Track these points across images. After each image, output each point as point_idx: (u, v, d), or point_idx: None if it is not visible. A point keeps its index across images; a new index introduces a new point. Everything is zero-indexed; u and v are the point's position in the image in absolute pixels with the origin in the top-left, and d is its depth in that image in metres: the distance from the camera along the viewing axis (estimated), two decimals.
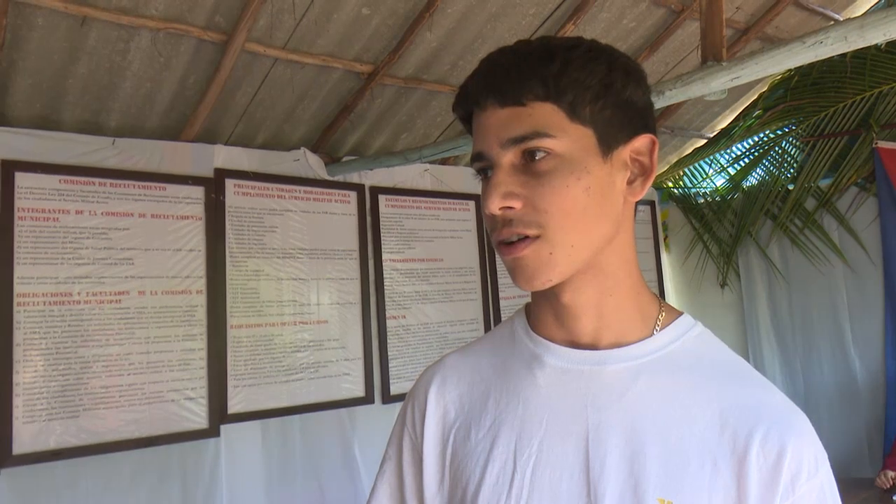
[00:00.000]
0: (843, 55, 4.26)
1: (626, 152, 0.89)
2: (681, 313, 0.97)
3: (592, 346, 0.92)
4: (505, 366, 0.99)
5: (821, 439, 0.88)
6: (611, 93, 0.87)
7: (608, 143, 0.87)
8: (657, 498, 0.83)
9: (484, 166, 0.89)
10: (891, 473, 3.43)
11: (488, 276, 4.25)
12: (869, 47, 4.00)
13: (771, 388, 0.91)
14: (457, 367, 1.05)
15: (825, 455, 0.87)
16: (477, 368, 1.03)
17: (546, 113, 0.85)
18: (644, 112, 0.91)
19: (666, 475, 0.84)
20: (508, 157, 0.86)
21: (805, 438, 0.86)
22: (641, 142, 0.90)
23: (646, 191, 0.91)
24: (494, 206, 0.85)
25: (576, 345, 0.93)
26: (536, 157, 0.85)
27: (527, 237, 0.85)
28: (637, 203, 0.93)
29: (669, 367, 0.90)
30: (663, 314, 0.95)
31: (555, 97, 0.85)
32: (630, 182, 0.90)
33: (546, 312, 0.96)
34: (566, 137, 0.85)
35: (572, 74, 0.85)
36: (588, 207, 0.85)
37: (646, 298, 0.96)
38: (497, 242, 0.88)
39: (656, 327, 0.94)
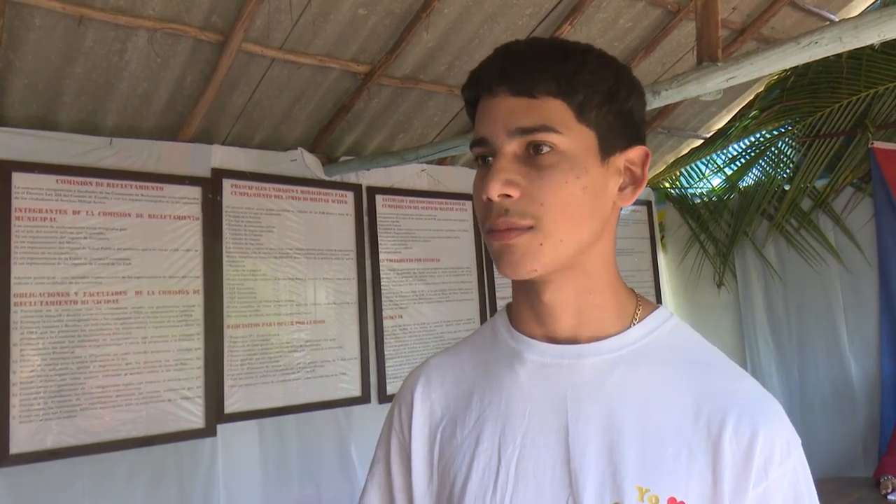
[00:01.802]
0: (839, 56, 4.26)
1: (621, 160, 0.92)
2: (657, 307, 0.99)
3: (571, 341, 0.95)
4: (487, 363, 1.02)
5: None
6: (616, 100, 0.90)
7: (607, 148, 0.90)
8: (635, 486, 0.85)
9: (485, 152, 0.91)
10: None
11: (485, 277, 4.26)
12: (865, 48, 4.01)
13: (744, 375, 0.93)
14: (441, 368, 1.07)
15: (798, 440, 0.89)
16: (460, 367, 1.05)
17: (556, 109, 0.87)
18: (640, 125, 0.95)
19: (644, 463, 0.86)
20: (513, 147, 0.88)
21: (776, 423, 0.87)
22: (636, 153, 0.93)
23: (634, 199, 0.94)
24: (494, 191, 0.86)
25: (555, 340, 0.96)
26: (541, 151, 0.86)
27: (520, 229, 0.87)
28: (634, 203, 0.95)
29: (646, 359, 0.93)
30: (640, 308, 0.97)
31: (566, 95, 0.87)
32: (621, 189, 0.93)
33: (526, 310, 0.99)
34: (571, 135, 0.87)
35: (585, 76, 0.88)
36: (582, 206, 0.87)
37: (623, 294, 0.98)
38: (488, 230, 0.90)
39: (633, 321, 0.96)
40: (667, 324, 0.96)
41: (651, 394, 0.90)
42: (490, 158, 0.90)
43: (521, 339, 0.98)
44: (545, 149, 0.86)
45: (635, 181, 0.93)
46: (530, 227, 0.86)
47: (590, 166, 0.88)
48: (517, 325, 1.00)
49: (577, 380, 0.92)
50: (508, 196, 0.87)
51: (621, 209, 0.97)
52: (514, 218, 0.86)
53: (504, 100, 0.89)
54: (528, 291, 0.96)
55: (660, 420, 0.88)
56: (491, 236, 0.89)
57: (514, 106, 0.88)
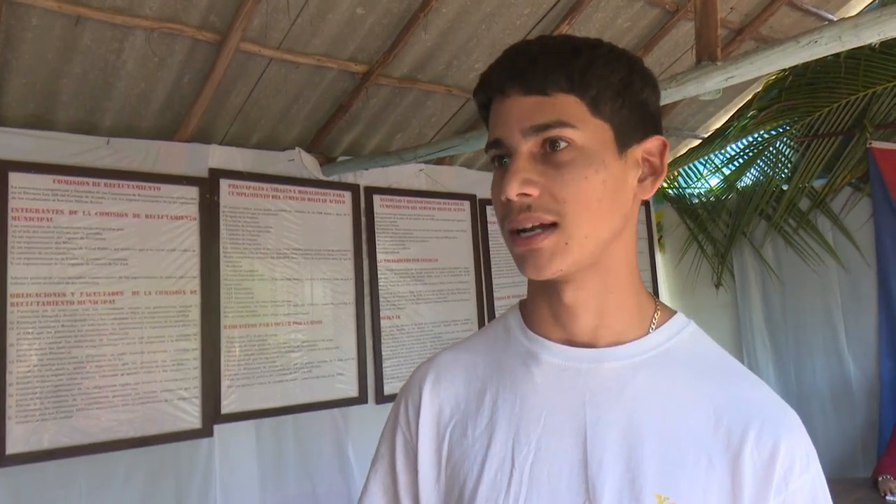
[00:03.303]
0: (838, 55, 4.27)
1: (638, 152, 0.91)
2: (674, 312, 0.98)
3: (590, 345, 0.93)
4: (500, 363, 1.00)
5: (814, 439, 0.90)
6: (630, 93, 0.89)
7: (624, 141, 0.89)
8: (654, 493, 0.84)
9: (501, 154, 0.90)
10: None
11: (482, 277, 4.25)
12: (863, 48, 4.01)
13: (762, 385, 0.93)
14: (451, 365, 1.04)
15: (815, 451, 0.89)
16: (472, 366, 1.03)
17: (569, 104, 0.86)
18: (655, 116, 0.94)
19: (663, 471, 0.85)
20: (528, 146, 0.87)
21: (797, 435, 0.88)
22: (653, 143, 0.92)
23: (654, 190, 0.93)
24: (513, 191, 0.85)
25: (573, 343, 0.94)
26: (557, 147, 0.86)
27: (543, 226, 0.86)
28: (650, 195, 0.94)
29: (665, 365, 0.92)
30: (658, 313, 0.97)
31: (579, 90, 0.86)
32: (641, 181, 0.92)
33: (543, 311, 0.97)
34: (587, 130, 0.86)
35: (597, 70, 0.87)
36: (603, 200, 0.87)
37: (643, 297, 0.97)
38: (510, 230, 0.89)
39: (652, 326, 0.95)
40: (685, 330, 0.96)
41: (670, 401, 0.89)
42: (506, 160, 0.89)
43: (536, 339, 0.97)
44: (562, 144, 0.86)
45: (654, 172, 0.93)
46: (554, 224, 0.86)
47: (608, 160, 0.87)
48: (532, 326, 0.99)
49: (595, 384, 0.91)
50: (528, 195, 0.86)
51: (641, 203, 0.96)
52: (538, 213, 0.86)
53: (516, 100, 0.88)
54: (547, 291, 0.95)
55: (679, 427, 0.88)
56: (514, 239, 0.89)
57: (527, 105, 0.87)
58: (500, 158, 0.91)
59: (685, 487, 0.84)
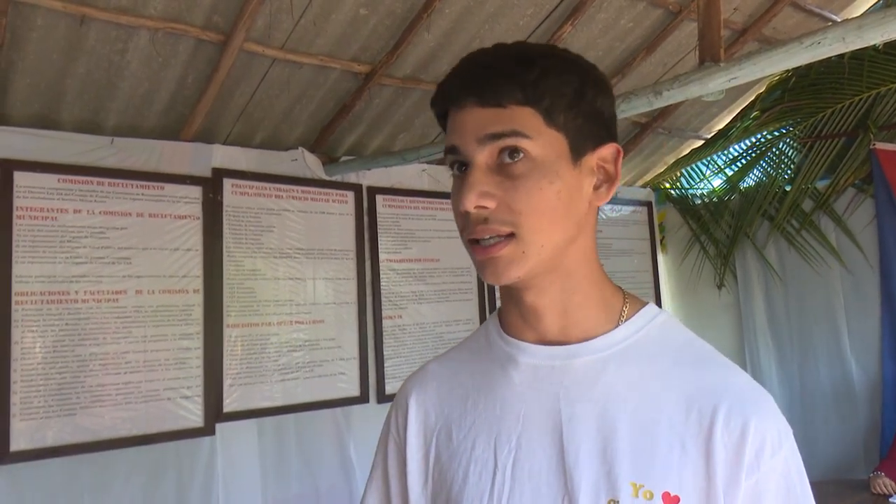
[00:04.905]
0: (841, 56, 4.26)
1: (593, 159, 0.93)
2: (645, 303, 1.00)
3: (561, 343, 0.95)
4: (482, 368, 1.03)
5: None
6: (583, 102, 0.91)
7: (578, 150, 0.91)
8: (629, 482, 0.86)
9: (458, 159, 0.92)
10: (889, 481, 3.41)
11: None
12: (867, 48, 4.01)
13: (734, 369, 0.94)
14: (437, 374, 1.09)
15: (789, 431, 0.89)
16: (455, 373, 1.06)
17: (525, 115, 0.88)
18: (609, 122, 0.96)
19: (637, 460, 0.87)
20: (484, 156, 0.89)
21: (767, 415, 0.88)
22: (608, 150, 0.94)
23: (610, 197, 0.95)
24: (470, 203, 0.87)
25: (545, 342, 0.97)
26: (514, 159, 0.87)
27: (501, 236, 0.88)
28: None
29: (636, 356, 0.93)
30: (627, 306, 0.98)
31: (533, 101, 0.88)
32: (596, 188, 0.94)
33: (515, 315, 1.00)
34: (541, 140, 0.88)
35: (550, 81, 0.88)
36: (557, 210, 0.89)
37: (608, 292, 0.99)
38: (469, 240, 0.92)
39: (621, 319, 0.97)
40: (655, 320, 0.97)
41: (642, 391, 0.91)
42: (464, 166, 0.91)
43: (512, 342, 0.99)
44: (518, 156, 0.87)
45: (609, 179, 0.94)
46: (510, 234, 0.88)
47: (562, 170, 0.89)
48: (508, 330, 1.01)
49: (568, 380, 0.93)
50: (485, 207, 0.88)
51: (599, 209, 0.98)
52: (494, 225, 0.88)
53: (472, 111, 0.89)
54: (513, 296, 0.97)
55: (651, 416, 0.89)
56: (474, 249, 0.91)
57: (483, 116, 0.89)
58: (458, 165, 0.93)
59: (659, 474, 0.86)
